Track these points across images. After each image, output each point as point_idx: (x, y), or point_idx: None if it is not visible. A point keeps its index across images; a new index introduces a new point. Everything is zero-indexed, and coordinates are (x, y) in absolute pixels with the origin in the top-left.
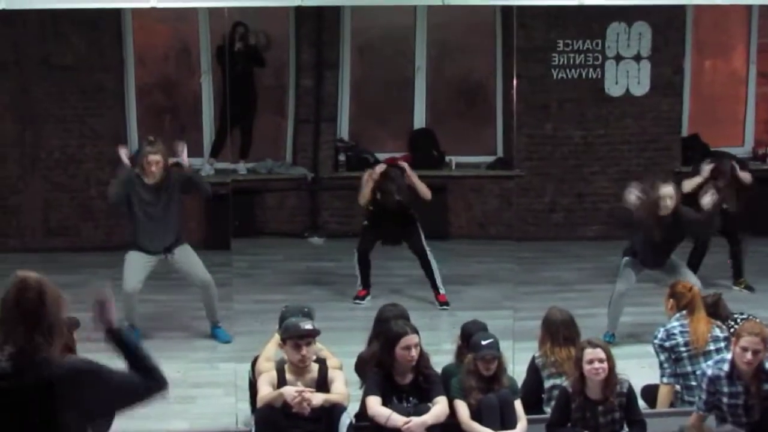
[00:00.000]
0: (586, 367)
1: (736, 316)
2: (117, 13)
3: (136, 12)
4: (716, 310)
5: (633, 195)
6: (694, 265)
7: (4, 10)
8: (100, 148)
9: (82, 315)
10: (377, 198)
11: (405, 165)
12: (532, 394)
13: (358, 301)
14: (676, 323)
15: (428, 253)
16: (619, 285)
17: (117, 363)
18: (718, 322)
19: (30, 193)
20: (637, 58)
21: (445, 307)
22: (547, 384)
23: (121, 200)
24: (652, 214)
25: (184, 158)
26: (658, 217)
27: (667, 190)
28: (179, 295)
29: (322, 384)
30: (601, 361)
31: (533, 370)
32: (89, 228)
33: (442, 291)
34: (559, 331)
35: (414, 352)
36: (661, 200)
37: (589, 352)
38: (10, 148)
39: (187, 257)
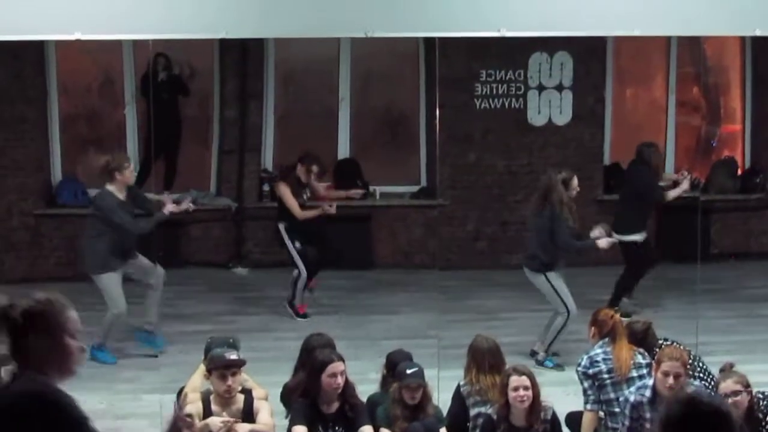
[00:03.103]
0: (511, 394)
1: (660, 342)
2: (40, 43)
3: (60, 42)
4: (645, 338)
5: (597, 231)
6: (623, 287)
7: None
8: (22, 179)
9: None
10: None
11: None
12: (458, 422)
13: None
14: (599, 350)
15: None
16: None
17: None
18: (641, 349)
19: None
20: (560, 87)
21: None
22: (473, 412)
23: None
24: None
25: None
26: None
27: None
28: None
29: (248, 414)
30: (526, 388)
31: (458, 398)
32: (12, 259)
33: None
34: (485, 359)
35: (340, 380)
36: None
37: (514, 380)
38: None
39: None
